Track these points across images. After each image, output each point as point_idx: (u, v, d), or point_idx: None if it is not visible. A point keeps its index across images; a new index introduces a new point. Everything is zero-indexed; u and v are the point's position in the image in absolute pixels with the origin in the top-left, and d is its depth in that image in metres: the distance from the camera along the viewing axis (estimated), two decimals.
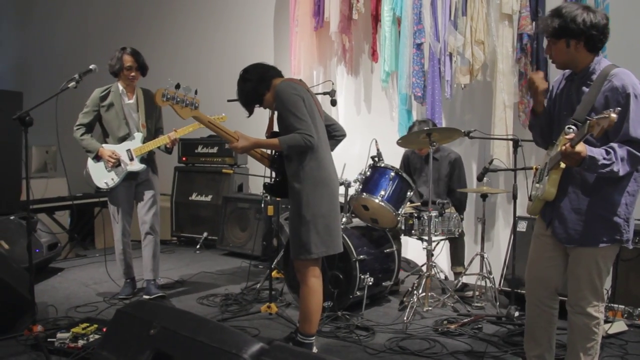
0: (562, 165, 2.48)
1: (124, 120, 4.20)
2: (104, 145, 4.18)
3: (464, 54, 4.88)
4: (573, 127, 2.41)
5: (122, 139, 4.20)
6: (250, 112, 3.27)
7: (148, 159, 4.29)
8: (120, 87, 4.24)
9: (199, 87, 3.18)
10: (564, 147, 2.34)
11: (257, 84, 3.17)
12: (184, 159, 6.55)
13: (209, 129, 3.18)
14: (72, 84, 3.58)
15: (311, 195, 3.04)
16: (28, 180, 3.33)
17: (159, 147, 4.23)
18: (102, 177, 4.17)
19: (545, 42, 2.68)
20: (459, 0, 4.90)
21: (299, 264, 3.15)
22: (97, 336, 3.25)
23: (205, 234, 6.34)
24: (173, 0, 7.60)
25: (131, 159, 4.17)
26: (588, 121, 2.19)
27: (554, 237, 2.62)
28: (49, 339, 3.26)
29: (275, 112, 3.15)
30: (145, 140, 4.22)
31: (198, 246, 6.28)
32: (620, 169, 2.36)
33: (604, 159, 2.34)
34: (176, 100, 3.05)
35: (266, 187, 3.33)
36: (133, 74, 4.19)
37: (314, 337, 3.18)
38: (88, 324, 3.38)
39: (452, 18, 4.93)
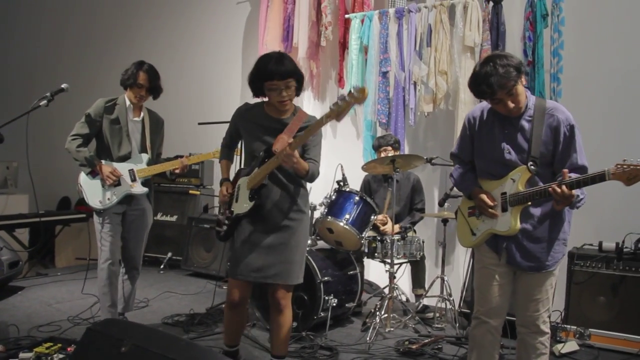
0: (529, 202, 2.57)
1: (127, 138, 3.82)
2: (103, 161, 3.79)
3: (427, 83, 5.07)
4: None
5: (124, 158, 3.82)
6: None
7: (146, 183, 3.91)
8: (128, 102, 3.83)
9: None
10: (559, 190, 2.37)
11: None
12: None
13: None
14: (44, 102, 3.47)
15: (306, 224, 3.12)
16: None
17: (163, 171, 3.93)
18: (97, 195, 3.76)
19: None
20: (424, 32, 5.12)
21: (290, 288, 3.08)
22: (61, 356, 3.22)
23: (169, 254, 6.34)
24: (141, 24, 7.67)
25: (133, 180, 3.82)
26: (606, 171, 2.25)
27: (508, 266, 2.69)
28: (10, 359, 3.21)
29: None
30: (149, 163, 3.91)
31: (162, 266, 6.26)
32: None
33: (581, 192, 2.46)
34: None
35: (218, 235, 3.22)
36: (142, 94, 3.79)
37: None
38: (52, 344, 3.34)
39: (417, 48, 5.14)
